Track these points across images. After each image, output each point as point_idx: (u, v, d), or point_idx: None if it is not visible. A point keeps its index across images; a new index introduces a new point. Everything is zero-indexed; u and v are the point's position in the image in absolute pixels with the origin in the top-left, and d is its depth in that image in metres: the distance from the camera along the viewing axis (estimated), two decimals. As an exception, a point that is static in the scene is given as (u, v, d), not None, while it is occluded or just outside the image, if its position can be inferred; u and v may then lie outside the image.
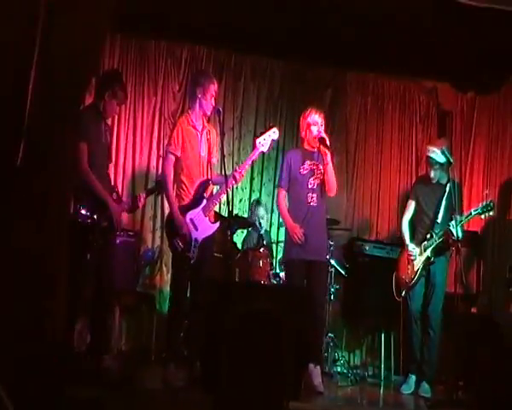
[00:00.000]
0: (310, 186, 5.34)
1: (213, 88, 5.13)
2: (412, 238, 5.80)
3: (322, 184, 5.36)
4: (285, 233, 5.55)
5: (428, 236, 5.65)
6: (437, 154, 5.63)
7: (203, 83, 5.10)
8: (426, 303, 5.64)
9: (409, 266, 5.72)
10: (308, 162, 5.39)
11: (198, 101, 5.12)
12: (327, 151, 5.28)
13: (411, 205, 5.92)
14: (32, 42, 3.14)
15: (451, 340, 5.33)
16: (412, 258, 5.71)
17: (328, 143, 5.29)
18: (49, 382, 3.23)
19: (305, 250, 5.26)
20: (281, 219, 6.92)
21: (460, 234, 5.42)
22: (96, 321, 5.05)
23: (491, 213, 5.52)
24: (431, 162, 5.69)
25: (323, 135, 5.31)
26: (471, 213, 5.51)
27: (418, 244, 5.72)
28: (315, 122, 5.36)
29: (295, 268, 5.32)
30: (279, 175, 5.58)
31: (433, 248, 5.60)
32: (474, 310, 6.56)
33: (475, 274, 6.62)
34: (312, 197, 5.32)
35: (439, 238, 5.56)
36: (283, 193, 5.44)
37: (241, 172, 5.12)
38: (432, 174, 5.73)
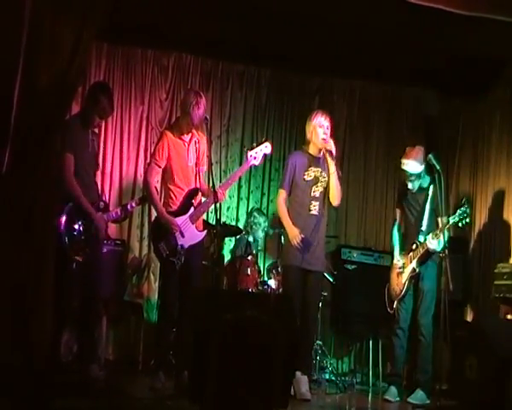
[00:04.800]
0: (313, 194, 5.31)
1: (198, 114, 5.06)
2: (402, 249, 5.78)
3: (326, 193, 5.34)
4: (284, 238, 5.51)
5: (414, 246, 5.61)
6: (410, 165, 5.61)
7: (195, 105, 5.05)
8: (416, 311, 5.61)
9: (398, 279, 5.69)
10: (313, 169, 5.34)
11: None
12: (332, 162, 5.26)
13: (397, 213, 5.92)
14: (18, 49, 3.13)
15: (438, 346, 5.33)
16: (399, 270, 5.68)
17: (334, 154, 5.25)
18: (35, 394, 3.21)
19: (303, 259, 5.22)
20: (267, 228, 6.97)
21: (439, 246, 5.42)
22: (82, 331, 5.02)
23: (467, 221, 5.46)
24: (406, 175, 5.66)
25: (330, 147, 5.25)
26: (449, 222, 5.44)
27: (405, 255, 5.70)
28: (321, 125, 5.32)
29: (293, 274, 5.29)
30: (282, 176, 5.54)
31: (418, 259, 5.56)
32: (461, 316, 6.58)
33: (463, 280, 6.63)
34: (315, 206, 5.30)
35: (422, 249, 5.53)
36: (284, 195, 5.39)
37: (222, 192, 5.08)
38: (409, 186, 5.70)
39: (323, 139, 5.28)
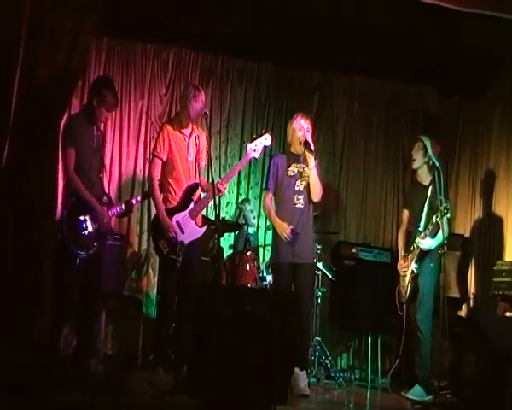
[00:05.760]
0: (296, 188, 5.39)
1: (199, 106, 5.07)
2: (407, 251, 5.75)
3: (309, 187, 5.39)
4: (273, 237, 5.56)
5: (412, 248, 5.62)
6: (428, 141, 5.64)
7: (192, 99, 5.05)
8: (415, 306, 5.63)
9: (403, 282, 5.70)
10: (295, 165, 5.43)
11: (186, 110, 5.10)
12: (311, 156, 5.31)
13: (404, 213, 5.93)
14: (18, 44, 3.13)
15: (437, 343, 5.34)
16: (402, 275, 5.69)
17: (312, 147, 5.31)
18: (34, 388, 3.22)
19: (292, 253, 5.27)
20: (268, 223, 7.00)
21: (433, 245, 5.43)
22: (82, 325, 5.03)
23: (448, 215, 5.40)
24: (418, 144, 5.68)
25: (308, 139, 5.33)
26: (433, 221, 5.41)
27: (406, 258, 5.70)
28: (301, 127, 5.40)
29: (282, 272, 5.36)
30: (266, 178, 5.61)
31: (415, 260, 5.56)
32: (460, 313, 6.59)
33: (463, 278, 6.63)
34: (299, 199, 5.37)
35: (417, 250, 5.53)
36: (270, 196, 5.48)
37: (224, 185, 5.08)
38: (413, 155, 5.71)
39: (300, 138, 5.35)
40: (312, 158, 5.33)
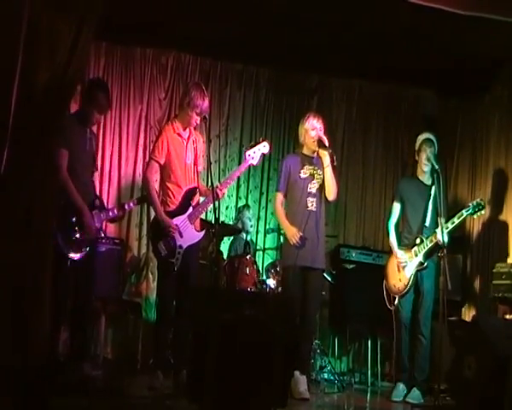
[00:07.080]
0: (309, 190, 5.34)
1: (203, 105, 5.06)
2: (399, 243, 5.78)
3: (322, 189, 5.36)
4: (283, 238, 5.53)
5: (418, 240, 5.59)
6: (437, 143, 5.67)
7: (194, 96, 5.05)
8: (416, 309, 5.61)
9: (400, 274, 5.67)
10: (307, 167, 5.39)
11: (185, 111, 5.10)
12: (326, 153, 5.30)
13: (397, 207, 5.85)
14: (16, 48, 3.13)
15: (436, 346, 5.34)
16: (403, 265, 5.66)
17: (326, 143, 5.29)
18: (33, 393, 3.21)
19: (303, 256, 5.24)
20: (267, 226, 7.01)
21: (446, 239, 5.42)
22: (75, 329, 5.00)
23: (482, 212, 5.48)
24: (428, 144, 5.67)
25: (322, 136, 5.31)
26: (462, 214, 5.43)
27: (407, 250, 5.68)
28: (313, 127, 5.36)
29: (292, 274, 5.29)
30: (277, 179, 5.57)
31: (425, 253, 5.55)
32: (459, 316, 6.58)
33: (461, 280, 6.63)
34: (312, 202, 5.32)
35: (430, 242, 5.52)
36: (281, 197, 5.43)
37: (222, 190, 5.06)
38: (424, 158, 5.67)
39: (314, 138, 5.33)
40: (328, 155, 5.30)
